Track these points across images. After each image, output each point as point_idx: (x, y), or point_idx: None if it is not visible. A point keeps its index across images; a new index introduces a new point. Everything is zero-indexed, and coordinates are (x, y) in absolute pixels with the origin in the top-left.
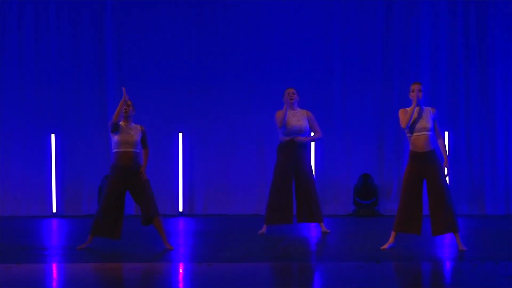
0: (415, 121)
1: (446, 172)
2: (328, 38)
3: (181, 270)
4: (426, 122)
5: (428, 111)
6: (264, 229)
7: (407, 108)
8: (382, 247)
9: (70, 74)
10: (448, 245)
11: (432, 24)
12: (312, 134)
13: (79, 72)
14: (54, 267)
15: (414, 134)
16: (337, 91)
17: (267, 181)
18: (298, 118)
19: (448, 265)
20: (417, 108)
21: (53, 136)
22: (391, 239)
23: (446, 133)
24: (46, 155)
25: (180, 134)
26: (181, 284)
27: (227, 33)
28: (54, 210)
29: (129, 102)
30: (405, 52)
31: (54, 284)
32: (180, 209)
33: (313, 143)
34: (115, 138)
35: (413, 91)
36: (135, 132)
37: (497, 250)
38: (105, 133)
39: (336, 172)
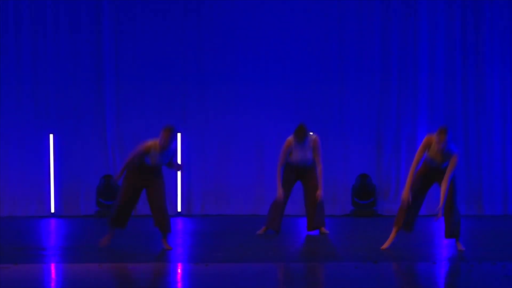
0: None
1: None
2: (325, 38)
3: (179, 271)
4: (442, 160)
5: (447, 155)
6: (262, 230)
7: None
8: (382, 247)
9: (68, 74)
10: (445, 245)
11: (429, 25)
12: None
13: (77, 72)
14: (52, 267)
15: (428, 163)
16: (334, 91)
17: (265, 181)
18: (305, 150)
19: (445, 265)
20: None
21: (51, 136)
22: (392, 234)
23: None
24: (44, 155)
25: (178, 135)
26: (179, 284)
27: (225, 33)
28: (52, 210)
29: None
30: (403, 53)
31: (52, 284)
32: (178, 209)
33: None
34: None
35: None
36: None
37: (494, 250)
38: (103, 134)
39: (334, 172)
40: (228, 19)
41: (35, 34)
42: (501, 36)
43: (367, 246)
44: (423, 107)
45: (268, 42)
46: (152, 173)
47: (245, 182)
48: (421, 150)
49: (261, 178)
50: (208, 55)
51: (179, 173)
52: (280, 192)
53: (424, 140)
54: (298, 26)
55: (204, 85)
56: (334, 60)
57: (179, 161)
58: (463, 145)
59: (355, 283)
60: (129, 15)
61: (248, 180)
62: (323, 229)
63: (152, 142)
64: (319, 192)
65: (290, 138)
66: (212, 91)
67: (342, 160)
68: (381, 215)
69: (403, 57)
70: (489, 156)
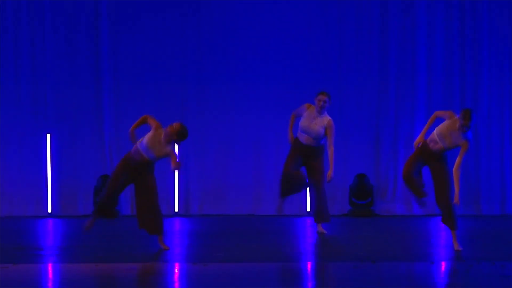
0: (446, 132)
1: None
2: (325, 38)
3: (176, 271)
4: (451, 142)
5: (460, 138)
6: (280, 204)
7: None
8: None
9: (66, 74)
10: (443, 245)
11: (427, 24)
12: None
13: (75, 72)
14: (50, 267)
15: (435, 136)
16: (333, 90)
17: (263, 181)
18: (317, 123)
19: (443, 265)
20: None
21: (48, 136)
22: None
23: None
24: (41, 156)
25: None
26: (176, 284)
27: (224, 33)
28: (49, 210)
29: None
30: (401, 53)
31: (50, 284)
32: (176, 209)
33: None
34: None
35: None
36: (163, 144)
37: (492, 250)
38: (100, 134)
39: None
40: (228, 19)
41: (33, 35)
42: (499, 36)
43: (365, 246)
44: (421, 108)
45: (267, 42)
46: (143, 168)
47: (244, 182)
48: (434, 116)
49: (260, 178)
50: (207, 55)
51: (176, 172)
52: (291, 135)
53: (446, 112)
54: (298, 26)
55: (203, 85)
56: (333, 60)
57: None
58: None
59: (354, 283)
60: (128, 15)
61: (247, 180)
62: (321, 229)
63: (160, 128)
64: (330, 173)
65: (310, 104)
66: (211, 91)
67: (340, 160)
68: (379, 215)
69: (401, 58)
70: (487, 156)
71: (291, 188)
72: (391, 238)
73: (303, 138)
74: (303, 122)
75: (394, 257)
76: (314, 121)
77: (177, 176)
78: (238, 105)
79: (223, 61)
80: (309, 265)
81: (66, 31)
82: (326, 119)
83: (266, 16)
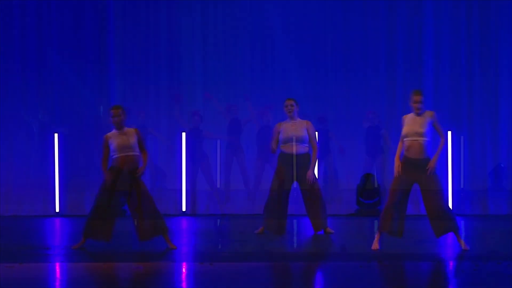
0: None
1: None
2: (331, 38)
3: (183, 270)
4: (419, 127)
5: (424, 116)
6: (261, 230)
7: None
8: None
9: (73, 73)
10: (450, 245)
11: (434, 24)
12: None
13: (82, 72)
14: (57, 267)
15: (408, 138)
16: (340, 90)
17: (269, 180)
18: (296, 127)
19: (450, 264)
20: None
21: (56, 135)
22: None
23: (449, 133)
24: (49, 155)
25: (183, 134)
26: (183, 283)
27: (229, 32)
28: (57, 210)
29: (115, 111)
30: (408, 52)
31: (57, 283)
32: (183, 209)
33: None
34: (112, 145)
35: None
36: (129, 135)
37: (499, 250)
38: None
39: (339, 172)
40: (233, 19)
41: (40, 35)
42: (506, 35)
43: (371, 246)
44: (428, 107)
45: (272, 41)
46: (128, 174)
47: (250, 182)
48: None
49: (266, 177)
50: (212, 53)
51: (184, 172)
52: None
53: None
54: (303, 28)
55: (209, 84)
56: (340, 60)
57: (184, 161)
58: (468, 144)
59: (360, 282)
60: (134, 15)
61: (253, 180)
62: (328, 229)
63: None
64: (309, 172)
65: (279, 122)
66: (217, 90)
67: (347, 160)
68: None
69: (408, 57)
70: (494, 155)
71: (275, 212)
72: (397, 238)
73: (288, 149)
74: (282, 135)
75: (401, 257)
76: (293, 126)
77: (185, 175)
78: (244, 105)
79: (229, 61)
80: (316, 265)
81: (72, 30)
82: (304, 121)
83: (272, 15)
